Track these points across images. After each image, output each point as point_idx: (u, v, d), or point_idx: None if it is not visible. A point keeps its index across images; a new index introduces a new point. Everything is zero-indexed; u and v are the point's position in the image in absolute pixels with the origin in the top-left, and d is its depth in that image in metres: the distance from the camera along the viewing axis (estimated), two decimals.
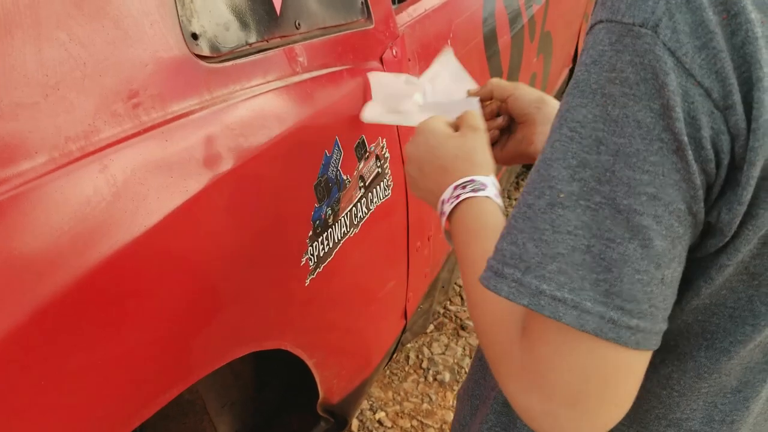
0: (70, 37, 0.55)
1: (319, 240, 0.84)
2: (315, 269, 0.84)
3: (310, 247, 0.82)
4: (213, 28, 0.70)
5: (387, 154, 1.01)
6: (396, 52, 1.05)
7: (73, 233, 0.52)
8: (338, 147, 0.87)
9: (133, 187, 0.58)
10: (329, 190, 0.85)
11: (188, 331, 0.64)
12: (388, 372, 1.92)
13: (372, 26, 1.01)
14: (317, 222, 0.83)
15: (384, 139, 0.99)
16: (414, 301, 1.21)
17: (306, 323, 0.86)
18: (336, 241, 0.88)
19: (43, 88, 0.53)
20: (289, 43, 0.82)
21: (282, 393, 1.13)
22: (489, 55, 1.42)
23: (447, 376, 1.90)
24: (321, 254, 0.85)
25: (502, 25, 1.48)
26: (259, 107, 0.75)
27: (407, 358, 1.97)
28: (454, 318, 2.13)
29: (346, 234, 0.90)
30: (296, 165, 0.79)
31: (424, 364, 1.95)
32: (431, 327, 2.09)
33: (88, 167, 0.55)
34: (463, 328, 2.09)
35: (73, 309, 0.52)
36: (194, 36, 0.68)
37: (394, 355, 1.91)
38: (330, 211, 0.86)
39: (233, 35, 0.73)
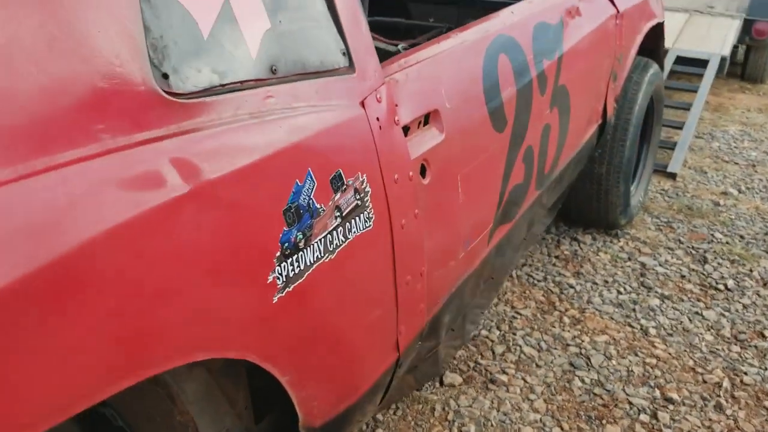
0: (38, 70, 0.67)
1: (288, 261, 0.91)
2: (284, 288, 0.90)
3: (278, 267, 0.89)
4: (184, 69, 0.81)
5: (368, 189, 1.08)
6: (379, 97, 1.13)
7: (34, 229, 0.62)
8: (311, 177, 0.95)
9: (93, 199, 0.67)
10: (300, 216, 0.93)
11: (141, 325, 0.71)
12: (412, 423, 1.91)
13: (354, 74, 1.10)
14: (286, 244, 0.90)
15: (364, 175, 1.07)
16: (408, 335, 1.24)
17: (275, 339, 0.91)
18: (308, 264, 0.94)
19: (18, 116, 0.65)
20: (263, 86, 0.92)
21: (280, 424, 1.17)
22: (490, 107, 1.48)
23: (472, 428, 1.87)
24: (291, 275, 0.91)
25: (505, 78, 1.55)
26: (227, 138, 0.84)
27: (433, 410, 1.96)
28: (484, 372, 2.11)
29: (320, 258, 0.97)
30: (263, 191, 0.87)
31: (450, 416, 1.93)
32: (460, 380, 2.07)
33: (50, 177, 0.65)
34: (492, 381, 2.06)
35: (33, 295, 0.61)
36: (165, 76, 0.79)
37: (410, 397, 1.91)
38: (301, 236, 0.93)
39: (205, 76, 0.84)
